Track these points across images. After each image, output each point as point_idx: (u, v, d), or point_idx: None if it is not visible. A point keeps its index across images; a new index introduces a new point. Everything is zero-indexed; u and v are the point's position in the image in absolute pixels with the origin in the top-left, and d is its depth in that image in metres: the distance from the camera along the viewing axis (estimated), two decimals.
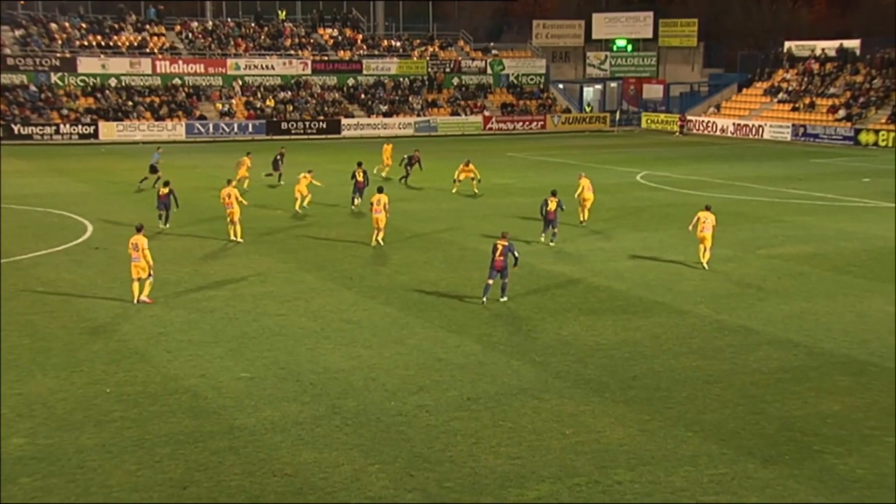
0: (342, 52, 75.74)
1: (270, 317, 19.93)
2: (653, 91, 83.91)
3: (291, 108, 69.82)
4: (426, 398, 15.28)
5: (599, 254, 26.56)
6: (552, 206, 27.01)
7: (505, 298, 21.21)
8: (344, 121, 69.59)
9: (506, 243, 20.89)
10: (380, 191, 27.77)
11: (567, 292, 22.15)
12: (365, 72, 74.83)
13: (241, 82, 70.63)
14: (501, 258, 20.80)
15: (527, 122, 74.45)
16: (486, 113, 74.49)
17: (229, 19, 76.60)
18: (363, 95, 73.12)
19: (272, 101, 69.81)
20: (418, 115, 72.12)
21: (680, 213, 33.43)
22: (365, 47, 77.16)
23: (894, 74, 66.18)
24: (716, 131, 71.69)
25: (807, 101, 68.64)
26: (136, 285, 20.98)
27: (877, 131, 60.60)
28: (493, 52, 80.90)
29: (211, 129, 65.72)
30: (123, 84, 67.29)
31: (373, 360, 17.18)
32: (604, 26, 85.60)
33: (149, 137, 62.93)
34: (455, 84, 77.00)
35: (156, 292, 21.31)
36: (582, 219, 31.06)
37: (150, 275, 20.94)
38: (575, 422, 14.29)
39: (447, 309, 20.69)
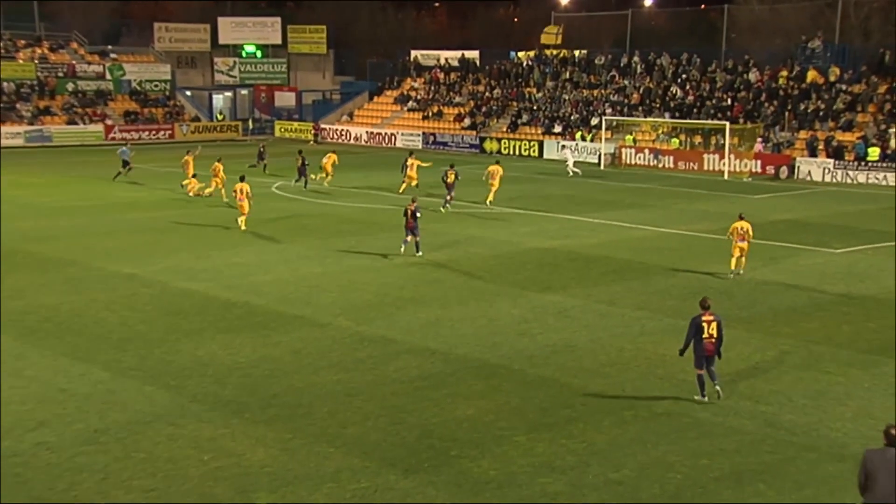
0: None
1: None
2: (285, 98, 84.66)
3: None
4: (47, 434, 14.40)
5: (236, 269, 26.39)
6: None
7: (420, 254, 27.64)
8: None
9: (415, 206, 27.40)
10: (241, 179, 32.42)
11: (203, 310, 21.79)
12: None
13: None
14: (412, 221, 27.25)
15: (153, 132, 72.29)
16: (108, 121, 71.43)
17: None
18: None
19: None
20: (29, 124, 67.69)
21: (316, 224, 34.08)
22: None
23: (510, 85, 71.58)
24: (350, 139, 73.72)
25: (434, 109, 72.42)
26: None
27: (499, 139, 65.20)
28: (112, 55, 77.72)
29: None
30: None
31: None
32: (230, 31, 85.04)
33: None
34: (70, 90, 73.08)
35: None
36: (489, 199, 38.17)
37: None
38: (214, 446, 14.09)
39: (71, 335, 19.63)
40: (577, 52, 70.95)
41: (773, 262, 27.77)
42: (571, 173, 50.81)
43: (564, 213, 37.18)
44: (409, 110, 74.64)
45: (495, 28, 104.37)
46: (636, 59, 66.34)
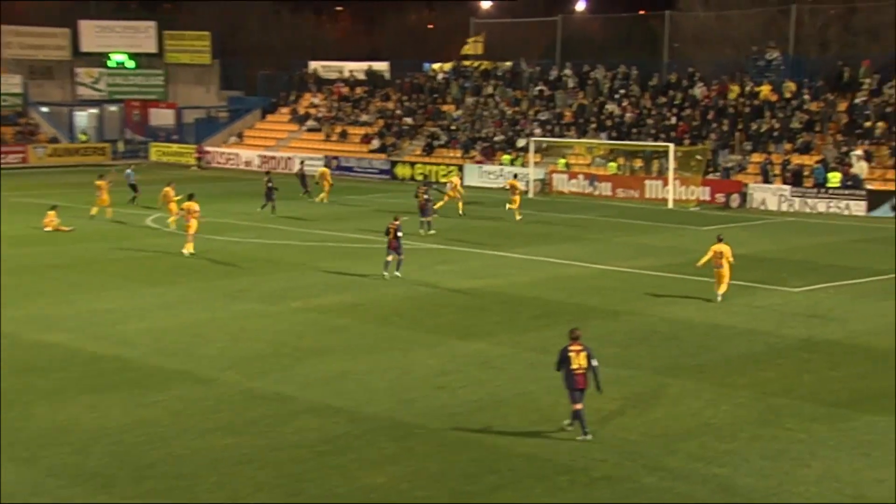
0: None
1: None
2: (162, 116, 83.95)
3: None
4: None
5: (104, 316, 25.99)
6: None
7: (399, 274, 30.48)
8: None
9: (398, 223, 30.57)
10: (190, 198, 35.45)
11: (63, 366, 21.42)
12: None
13: None
14: (395, 239, 30.26)
15: (1, 155, 70.90)
16: None
17: None
18: None
19: None
20: None
21: (201, 263, 33.76)
22: None
23: (425, 101, 71.98)
24: (240, 164, 73.30)
25: (338, 129, 72.46)
26: None
27: (412, 164, 65.47)
28: None
29: None
30: None
31: None
32: (95, 37, 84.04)
33: None
34: None
35: None
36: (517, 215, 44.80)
37: None
38: None
39: None
40: (500, 64, 71.75)
41: (725, 302, 28.28)
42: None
43: (489, 249, 37.42)
44: (308, 130, 74.57)
45: (407, 36, 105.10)
46: (567, 71, 67.42)
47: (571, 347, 17.30)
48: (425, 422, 18.26)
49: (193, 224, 34.78)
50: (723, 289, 28.27)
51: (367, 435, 17.58)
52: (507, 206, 46.04)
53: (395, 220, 31.11)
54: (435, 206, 44.13)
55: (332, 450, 16.83)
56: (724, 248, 28.13)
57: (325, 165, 56.37)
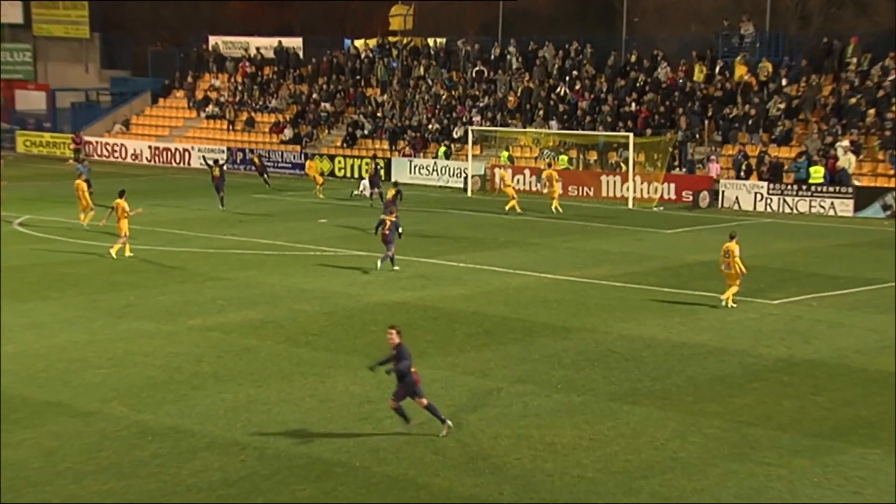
0: None
1: None
2: (31, 100, 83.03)
3: None
4: None
5: None
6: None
7: (397, 268, 33.80)
8: None
9: (393, 218, 33.61)
10: (121, 195, 36.44)
11: None
12: None
13: None
14: (388, 232, 33.40)
15: None
16: None
17: None
18: None
19: None
20: None
21: (80, 274, 33.46)
22: None
23: (346, 84, 71.72)
24: (126, 157, 72.70)
25: (243, 116, 72.09)
26: None
27: (332, 157, 65.23)
28: None
29: None
30: None
31: None
32: None
33: None
34: None
35: None
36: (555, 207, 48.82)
37: None
38: None
39: None
40: (432, 41, 71.79)
41: (693, 317, 28.52)
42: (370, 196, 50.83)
43: (419, 255, 37.40)
44: (208, 117, 74.16)
45: (324, 8, 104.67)
46: (511, 49, 67.59)
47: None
48: (347, 458, 18.19)
49: (124, 224, 35.86)
50: (728, 293, 29.43)
51: (279, 475, 17.49)
52: (553, 205, 49.18)
53: (391, 213, 34.25)
54: (506, 208, 49.19)
55: (237, 493, 16.71)
56: (733, 246, 29.28)
57: (309, 159, 60.18)
